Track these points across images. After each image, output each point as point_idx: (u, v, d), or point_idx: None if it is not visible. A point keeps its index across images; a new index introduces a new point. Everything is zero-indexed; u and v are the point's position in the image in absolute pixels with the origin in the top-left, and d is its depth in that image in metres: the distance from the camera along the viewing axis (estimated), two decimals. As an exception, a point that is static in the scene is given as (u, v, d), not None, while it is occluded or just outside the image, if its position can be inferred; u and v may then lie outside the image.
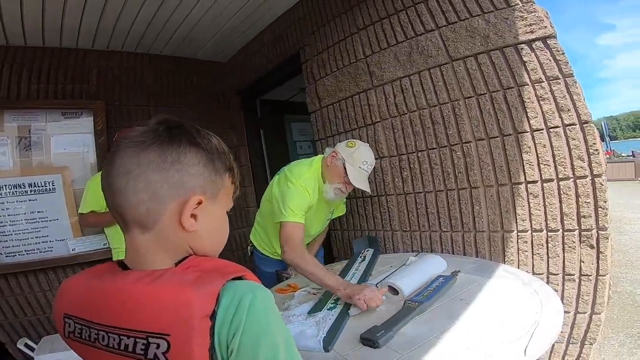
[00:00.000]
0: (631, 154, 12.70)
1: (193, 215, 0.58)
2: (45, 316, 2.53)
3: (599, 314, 1.50)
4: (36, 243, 2.51)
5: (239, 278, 0.56)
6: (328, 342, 1.06)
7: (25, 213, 2.49)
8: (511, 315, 1.06)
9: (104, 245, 2.62)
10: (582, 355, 1.58)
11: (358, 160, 1.71)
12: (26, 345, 2.15)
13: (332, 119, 2.40)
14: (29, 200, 2.51)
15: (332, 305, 1.33)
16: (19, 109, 2.52)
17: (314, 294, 1.52)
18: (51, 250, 2.54)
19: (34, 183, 2.52)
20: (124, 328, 0.53)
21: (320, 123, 2.50)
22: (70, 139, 2.69)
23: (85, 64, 2.79)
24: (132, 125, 2.83)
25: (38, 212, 2.53)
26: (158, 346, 0.51)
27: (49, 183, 2.56)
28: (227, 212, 0.67)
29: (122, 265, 0.60)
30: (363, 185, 1.73)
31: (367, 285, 1.32)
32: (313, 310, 1.31)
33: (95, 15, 2.37)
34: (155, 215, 0.56)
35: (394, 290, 1.35)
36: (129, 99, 2.98)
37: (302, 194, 1.67)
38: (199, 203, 0.58)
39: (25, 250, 2.48)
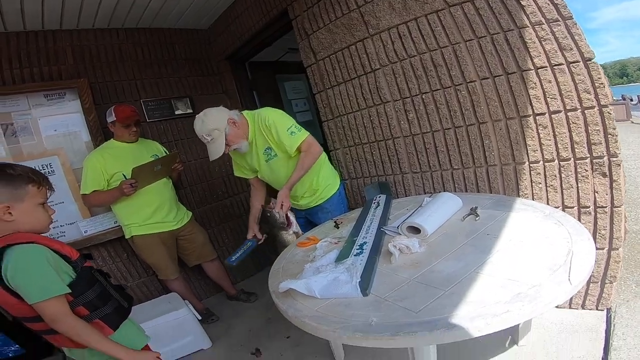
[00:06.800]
0: (621, 97, 13.30)
1: (9, 213, 1.07)
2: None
3: (617, 249, 1.54)
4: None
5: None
6: (365, 285, 1.07)
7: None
8: (543, 246, 1.07)
9: (114, 223, 2.60)
10: (603, 294, 1.62)
11: None
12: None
13: (329, 70, 2.34)
14: (30, 187, 2.45)
15: (359, 251, 1.33)
16: (-2, 96, 2.37)
17: (336, 244, 1.55)
18: (64, 235, 2.49)
19: (32, 167, 2.45)
20: None
21: (318, 76, 2.44)
22: (59, 121, 2.58)
23: (57, 44, 2.61)
24: (122, 100, 2.78)
25: (42, 198, 2.47)
26: None
27: (47, 166, 2.47)
28: (41, 203, 1.17)
29: None
30: (211, 157, 1.92)
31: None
32: (340, 258, 1.31)
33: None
34: None
35: (415, 230, 1.38)
36: (113, 75, 2.85)
37: None
38: (7, 207, 1.07)
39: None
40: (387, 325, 0.88)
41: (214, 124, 1.84)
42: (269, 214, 1.94)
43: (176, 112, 3.13)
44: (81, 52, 2.71)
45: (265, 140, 1.96)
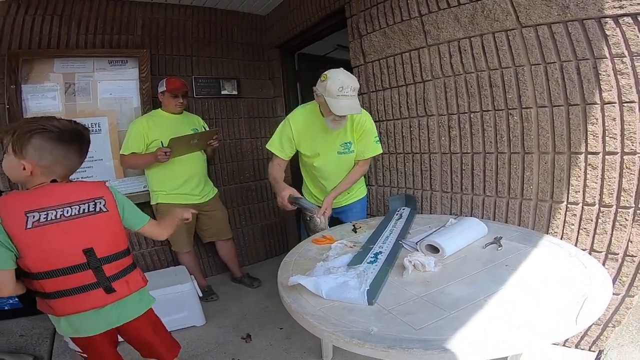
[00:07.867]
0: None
1: None
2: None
3: (633, 296, 1.47)
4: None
5: None
6: (372, 295, 1.06)
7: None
8: (559, 285, 1.04)
9: (143, 187, 2.73)
10: (601, 336, 1.58)
11: (333, 89, 1.73)
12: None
13: (377, 74, 2.32)
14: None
15: (373, 259, 1.33)
16: (69, 57, 2.59)
17: (351, 247, 1.54)
18: (95, 191, 2.66)
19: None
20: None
21: (364, 78, 2.42)
22: (116, 85, 2.77)
23: (131, 15, 2.82)
24: (175, 73, 2.93)
25: (84, 152, 2.65)
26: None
27: (95, 125, 2.64)
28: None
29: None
30: (348, 110, 1.74)
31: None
32: (353, 263, 1.31)
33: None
34: None
35: (433, 249, 1.35)
36: (173, 49, 3.01)
37: (282, 126, 2.00)
38: None
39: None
40: (385, 337, 0.87)
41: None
42: (308, 219, 1.89)
43: (222, 92, 3.24)
44: (150, 25, 2.90)
45: (352, 135, 1.96)
